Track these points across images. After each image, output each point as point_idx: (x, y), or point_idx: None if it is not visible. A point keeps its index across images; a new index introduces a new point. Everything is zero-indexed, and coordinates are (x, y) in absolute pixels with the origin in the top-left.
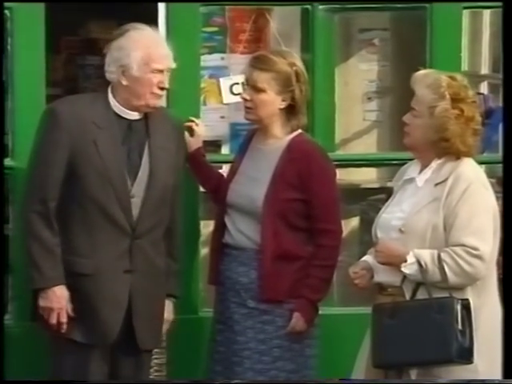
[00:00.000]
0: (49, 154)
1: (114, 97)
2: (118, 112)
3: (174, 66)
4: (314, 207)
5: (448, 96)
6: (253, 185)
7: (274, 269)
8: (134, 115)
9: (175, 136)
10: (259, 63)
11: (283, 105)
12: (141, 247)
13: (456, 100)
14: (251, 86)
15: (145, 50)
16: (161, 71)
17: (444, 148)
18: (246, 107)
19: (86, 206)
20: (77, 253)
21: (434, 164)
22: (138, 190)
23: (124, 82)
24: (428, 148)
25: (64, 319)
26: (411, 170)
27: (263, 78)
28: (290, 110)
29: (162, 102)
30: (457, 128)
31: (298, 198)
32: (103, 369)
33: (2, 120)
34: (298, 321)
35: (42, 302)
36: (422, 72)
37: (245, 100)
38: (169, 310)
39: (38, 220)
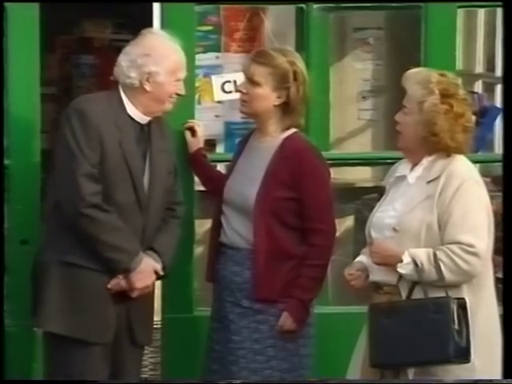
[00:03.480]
0: (86, 152)
1: (130, 100)
2: (133, 116)
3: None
4: (306, 206)
5: (437, 91)
6: (246, 183)
7: (267, 267)
8: (146, 119)
9: (169, 138)
10: (258, 57)
11: (278, 102)
12: (147, 247)
13: (445, 95)
14: (248, 79)
15: (172, 59)
16: (182, 79)
17: (433, 143)
18: (242, 100)
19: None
20: (86, 248)
21: (425, 161)
22: (146, 192)
23: (148, 88)
24: (418, 145)
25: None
26: (402, 167)
27: (260, 72)
28: (285, 108)
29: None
30: (445, 123)
31: (290, 196)
32: (104, 366)
33: (2, 121)
34: (286, 320)
35: (138, 284)
36: (412, 70)
37: (241, 93)
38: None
39: (94, 211)
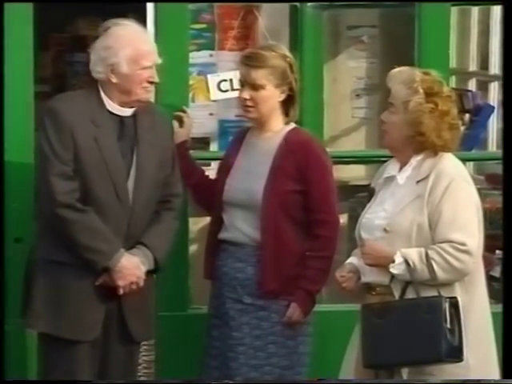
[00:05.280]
0: (59, 152)
1: (106, 95)
2: (111, 109)
3: (160, 60)
4: (312, 198)
5: (421, 90)
6: (251, 179)
7: (274, 262)
8: (126, 112)
9: (165, 131)
10: (253, 61)
11: (282, 97)
12: (133, 244)
13: (430, 94)
14: (250, 84)
15: (132, 48)
16: (149, 66)
17: (420, 143)
18: (247, 106)
19: (87, 203)
20: (68, 246)
21: (414, 161)
22: (131, 188)
23: (114, 80)
24: (405, 144)
25: (142, 282)
26: (390, 167)
27: (261, 75)
28: (289, 101)
29: (151, 97)
30: (431, 122)
31: (296, 189)
32: (92, 364)
33: (2, 121)
34: (294, 311)
35: (120, 282)
36: (396, 69)
37: (244, 99)
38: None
39: (67, 211)
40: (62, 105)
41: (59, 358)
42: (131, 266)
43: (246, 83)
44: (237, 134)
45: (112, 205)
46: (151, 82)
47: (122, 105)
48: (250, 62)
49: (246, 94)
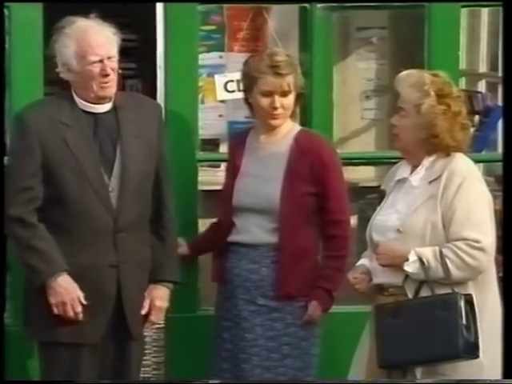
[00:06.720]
0: (22, 161)
1: (76, 93)
2: (83, 107)
3: (112, 53)
4: (327, 199)
5: (433, 93)
6: (265, 183)
7: (292, 265)
8: (102, 108)
9: (153, 122)
10: (284, 69)
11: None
12: (125, 240)
13: (441, 96)
14: (280, 92)
15: (77, 45)
16: (100, 61)
17: (434, 145)
18: (277, 114)
19: (66, 206)
20: (62, 253)
21: (426, 162)
22: (115, 182)
23: (71, 79)
24: (418, 147)
25: (78, 309)
26: (402, 170)
27: (292, 81)
28: (296, 100)
29: (111, 92)
30: (445, 123)
31: (312, 191)
32: (94, 363)
33: (2, 120)
34: (315, 309)
35: (52, 299)
36: (404, 72)
37: (275, 108)
38: (162, 297)
39: (13, 226)
40: (27, 111)
41: (61, 361)
42: (66, 286)
43: (275, 91)
44: (236, 137)
45: (90, 202)
46: (106, 75)
47: (91, 102)
48: (282, 70)
49: (278, 102)
